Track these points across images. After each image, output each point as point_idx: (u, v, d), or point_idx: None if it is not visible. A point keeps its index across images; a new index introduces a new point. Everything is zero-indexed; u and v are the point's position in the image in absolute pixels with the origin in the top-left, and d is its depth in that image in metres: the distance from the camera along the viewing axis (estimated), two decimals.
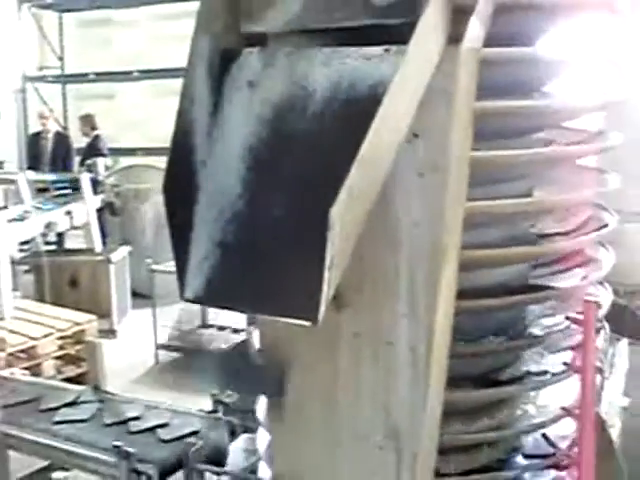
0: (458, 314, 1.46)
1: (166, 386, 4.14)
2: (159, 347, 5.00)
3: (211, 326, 5.74)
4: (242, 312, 1.39)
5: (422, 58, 1.22)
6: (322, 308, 1.14)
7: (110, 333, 5.15)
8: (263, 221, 1.26)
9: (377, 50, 1.29)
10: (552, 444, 1.74)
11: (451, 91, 1.28)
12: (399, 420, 1.46)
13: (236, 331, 5.73)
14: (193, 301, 1.25)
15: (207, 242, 1.28)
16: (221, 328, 5.79)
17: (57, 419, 2.70)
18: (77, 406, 2.82)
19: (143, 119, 11.04)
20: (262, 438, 1.97)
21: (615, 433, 1.70)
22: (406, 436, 1.46)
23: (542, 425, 1.76)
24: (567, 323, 1.77)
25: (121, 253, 5.64)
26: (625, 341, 2.30)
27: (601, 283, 1.96)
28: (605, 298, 1.83)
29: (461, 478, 1.71)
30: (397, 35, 1.28)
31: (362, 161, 1.13)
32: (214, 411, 2.65)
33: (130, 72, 9.98)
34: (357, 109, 1.26)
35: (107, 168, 6.80)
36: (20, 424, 2.71)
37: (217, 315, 5.54)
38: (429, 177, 1.33)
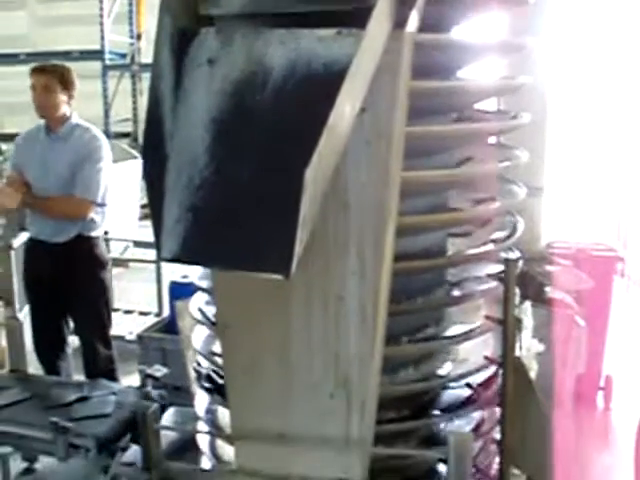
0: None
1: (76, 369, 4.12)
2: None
3: (116, 310, 5.72)
4: (217, 268, 1.49)
5: (375, 40, 1.37)
6: (294, 263, 1.27)
7: (14, 320, 5.01)
8: (232, 186, 1.37)
9: (329, 32, 1.42)
10: (475, 390, 1.94)
11: (397, 69, 1.44)
12: (349, 371, 1.61)
13: (143, 314, 5.75)
14: (170, 260, 1.35)
15: (179, 207, 1.38)
16: (128, 312, 5.80)
17: None
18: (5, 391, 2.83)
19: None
20: (201, 401, 2.10)
21: (533, 374, 1.92)
22: (355, 385, 1.61)
23: (467, 374, 1.96)
24: (486, 283, 1.98)
25: (21, 239, 5.48)
26: (528, 303, 2.55)
27: (510, 249, 2.19)
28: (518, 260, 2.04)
29: (396, 424, 1.87)
30: (347, 19, 1.42)
31: (329, 130, 1.26)
32: (143, 386, 2.72)
33: (16, 55, 9.64)
34: (314, 84, 1.39)
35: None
36: None
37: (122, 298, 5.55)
38: (375, 145, 1.49)
